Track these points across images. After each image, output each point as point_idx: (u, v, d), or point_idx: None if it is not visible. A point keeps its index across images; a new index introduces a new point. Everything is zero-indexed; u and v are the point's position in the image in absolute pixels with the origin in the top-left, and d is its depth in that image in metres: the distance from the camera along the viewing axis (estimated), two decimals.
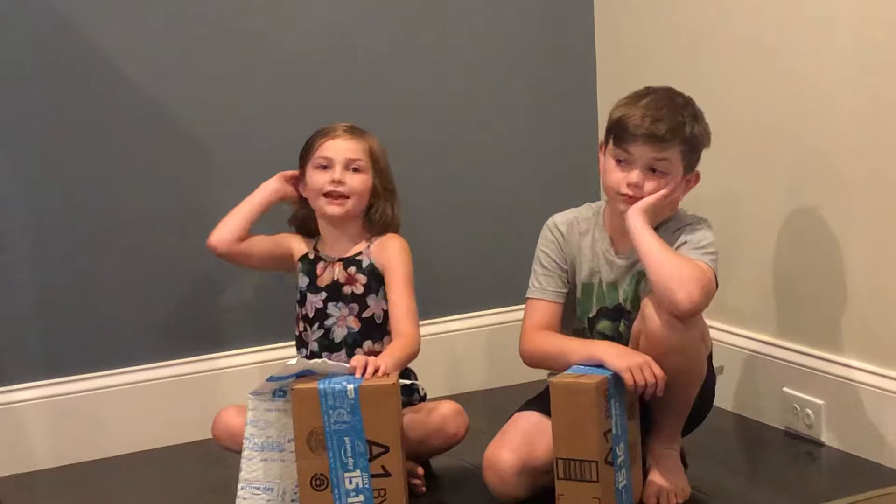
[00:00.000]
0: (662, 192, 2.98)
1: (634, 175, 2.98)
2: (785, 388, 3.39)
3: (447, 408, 3.17)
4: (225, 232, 3.23)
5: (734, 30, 3.45)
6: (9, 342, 3.40)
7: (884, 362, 3.17)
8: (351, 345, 3.18)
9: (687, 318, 2.89)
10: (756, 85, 3.41)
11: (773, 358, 3.43)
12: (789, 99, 3.32)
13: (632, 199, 2.99)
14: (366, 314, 3.20)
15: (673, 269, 2.89)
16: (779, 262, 3.42)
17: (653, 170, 2.99)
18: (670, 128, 2.97)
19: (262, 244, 3.26)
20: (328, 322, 3.20)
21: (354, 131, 3.22)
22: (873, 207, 3.15)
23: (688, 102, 3.04)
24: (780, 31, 3.32)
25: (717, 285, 2.96)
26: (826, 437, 3.30)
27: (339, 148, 3.19)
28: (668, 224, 3.04)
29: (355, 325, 3.20)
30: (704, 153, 3.08)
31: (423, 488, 3.16)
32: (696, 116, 3.03)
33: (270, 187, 3.26)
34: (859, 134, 3.16)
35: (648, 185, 2.99)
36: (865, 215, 3.18)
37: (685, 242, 2.99)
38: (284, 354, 3.40)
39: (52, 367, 3.45)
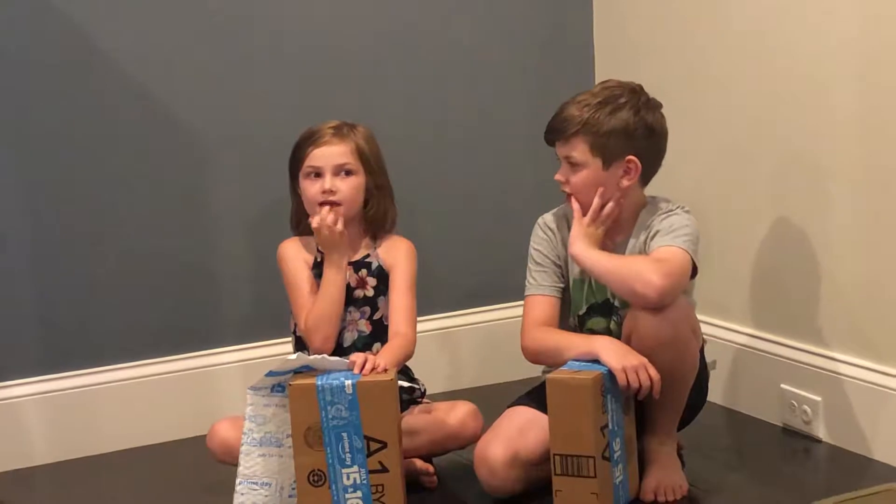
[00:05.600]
0: (589, 215, 2.99)
1: (560, 174, 3.03)
2: (782, 385, 3.39)
3: (464, 410, 3.14)
4: (331, 332, 3.13)
5: (732, 24, 3.45)
6: (6, 338, 3.40)
7: (880, 359, 3.17)
8: (361, 348, 3.13)
9: (666, 305, 2.88)
10: (749, 79, 3.41)
11: (770, 354, 3.43)
12: (782, 93, 3.32)
13: (570, 197, 3.02)
14: (376, 316, 3.18)
15: (625, 270, 2.91)
16: (776, 257, 3.42)
17: (571, 164, 3.01)
18: (564, 120, 2.97)
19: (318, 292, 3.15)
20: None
21: (340, 132, 3.16)
22: (868, 202, 3.16)
23: (632, 92, 2.98)
24: (778, 25, 3.32)
25: (695, 266, 2.96)
26: (823, 434, 3.30)
27: (327, 154, 3.14)
28: (643, 221, 3.05)
29: (366, 328, 3.18)
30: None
31: (435, 483, 3.15)
32: (621, 106, 2.97)
33: (341, 263, 3.13)
34: (852, 130, 3.16)
35: (572, 179, 3.01)
36: (860, 211, 3.18)
37: (657, 232, 3.00)
38: (281, 351, 3.40)
39: (49, 363, 3.45)
